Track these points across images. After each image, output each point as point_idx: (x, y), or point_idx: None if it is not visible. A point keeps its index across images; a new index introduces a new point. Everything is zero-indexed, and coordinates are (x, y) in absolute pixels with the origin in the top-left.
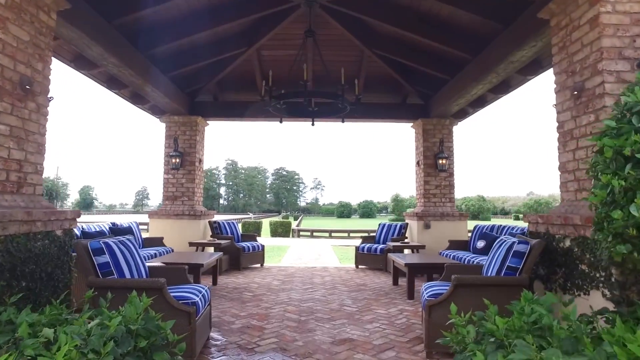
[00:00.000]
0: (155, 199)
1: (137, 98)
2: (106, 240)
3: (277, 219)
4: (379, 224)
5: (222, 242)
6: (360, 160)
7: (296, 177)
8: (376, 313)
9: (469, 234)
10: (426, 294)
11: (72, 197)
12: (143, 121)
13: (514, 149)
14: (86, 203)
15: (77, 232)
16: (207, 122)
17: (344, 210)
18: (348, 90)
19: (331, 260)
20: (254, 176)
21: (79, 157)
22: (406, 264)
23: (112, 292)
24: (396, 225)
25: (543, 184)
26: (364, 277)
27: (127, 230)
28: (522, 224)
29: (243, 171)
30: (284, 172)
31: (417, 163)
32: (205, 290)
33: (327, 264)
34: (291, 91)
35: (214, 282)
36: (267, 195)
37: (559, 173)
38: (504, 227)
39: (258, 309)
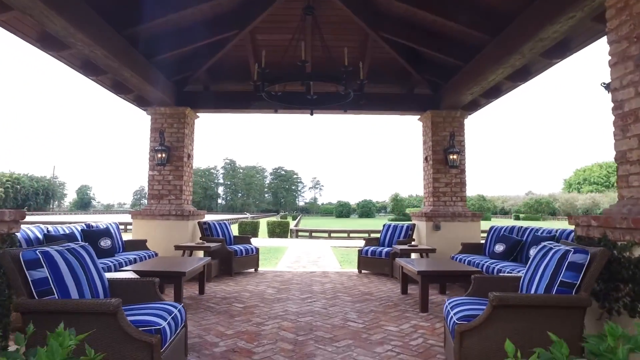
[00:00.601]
0: None
1: (119, 87)
2: (46, 248)
3: (274, 218)
4: (384, 225)
5: (212, 245)
6: (359, 159)
7: (295, 176)
8: (386, 331)
9: (482, 236)
10: (454, 314)
11: (70, 196)
12: (141, 120)
13: (511, 148)
14: (84, 203)
15: (39, 235)
16: (197, 114)
17: (342, 210)
18: (351, 75)
19: (331, 263)
20: (252, 175)
21: (76, 156)
22: (419, 272)
23: (48, 319)
24: (402, 227)
25: (541, 183)
26: (369, 284)
27: (104, 233)
28: (534, 224)
29: (241, 170)
30: (283, 172)
31: (425, 159)
32: (179, 310)
33: (327, 268)
34: (288, 73)
35: (201, 291)
36: (266, 195)
37: (617, 164)
38: (526, 228)
39: (248, 325)
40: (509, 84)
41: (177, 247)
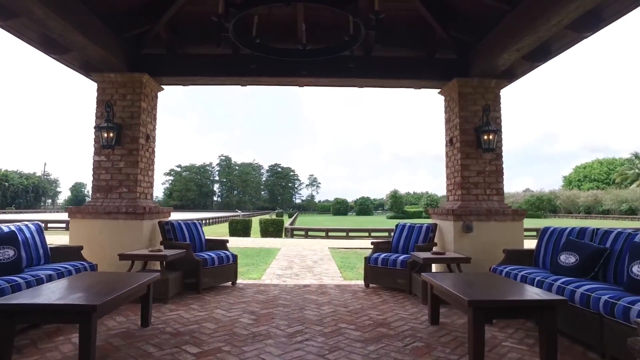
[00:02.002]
0: None
1: (49, 44)
2: None
3: (267, 216)
4: (397, 225)
5: (170, 252)
6: (357, 156)
7: (291, 173)
8: None
9: (525, 239)
10: None
11: (64, 194)
12: None
13: (505, 143)
14: (78, 200)
15: None
16: (161, 85)
17: (340, 208)
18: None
19: (330, 270)
20: (248, 173)
21: (70, 153)
22: (472, 303)
23: None
24: (421, 228)
25: (538, 180)
26: (381, 305)
27: (4, 240)
28: (542, 222)
29: (237, 167)
30: (279, 169)
31: (450, 141)
32: None
33: (324, 279)
34: None
35: (144, 322)
36: (262, 193)
37: None
38: (609, 232)
39: None
40: (570, 36)
41: (123, 257)
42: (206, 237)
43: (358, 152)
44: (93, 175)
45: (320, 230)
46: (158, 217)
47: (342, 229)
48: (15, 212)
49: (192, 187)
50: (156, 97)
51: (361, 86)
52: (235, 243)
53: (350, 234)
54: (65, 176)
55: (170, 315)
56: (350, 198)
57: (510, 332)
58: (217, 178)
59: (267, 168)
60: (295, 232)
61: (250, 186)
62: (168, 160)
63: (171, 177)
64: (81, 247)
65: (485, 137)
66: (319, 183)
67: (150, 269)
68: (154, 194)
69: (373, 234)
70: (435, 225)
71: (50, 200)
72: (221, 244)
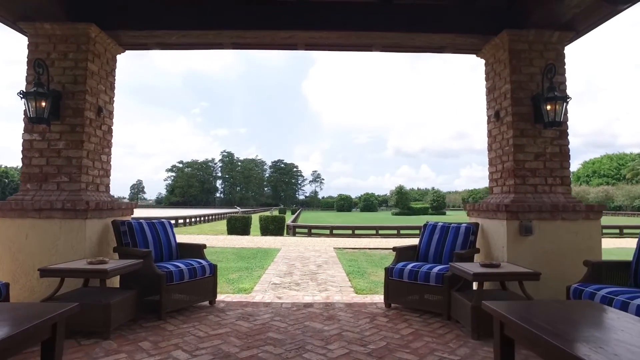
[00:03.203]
0: (152, 192)
1: None
2: None
3: (267, 213)
4: (426, 225)
5: (116, 265)
6: (360, 152)
7: (294, 169)
8: None
9: (604, 245)
10: None
11: None
12: (145, 118)
13: None
14: None
15: None
16: (121, 46)
17: (344, 204)
18: None
19: (337, 278)
20: (251, 169)
21: None
22: None
23: None
24: (458, 229)
25: None
26: (413, 341)
27: None
28: None
29: (240, 163)
30: (282, 165)
31: (496, 114)
32: None
33: (331, 291)
34: None
35: None
36: (265, 189)
37: None
38: None
39: None
40: None
41: (44, 272)
42: (178, 242)
43: (361, 148)
44: (23, 159)
45: (325, 227)
46: (113, 214)
47: (347, 226)
48: None
49: (194, 183)
50: (113, 60)
51: (378, 48)
52: (231, 242)
53: (357, 231)
54: None
55: None
56: (354, 194)
57: None
58: (219, 174)
59: (270, 164)
60: (297, 230)
61: (253, 182)
62: (170, 157)
63: (173, 174)
64: None
65: (549, 106)
66: (323, 179)
67: (102, 287)
68: (158, 191)
69: (380, 231)
70: (477, 225)
71: None
72: (196, 251)
